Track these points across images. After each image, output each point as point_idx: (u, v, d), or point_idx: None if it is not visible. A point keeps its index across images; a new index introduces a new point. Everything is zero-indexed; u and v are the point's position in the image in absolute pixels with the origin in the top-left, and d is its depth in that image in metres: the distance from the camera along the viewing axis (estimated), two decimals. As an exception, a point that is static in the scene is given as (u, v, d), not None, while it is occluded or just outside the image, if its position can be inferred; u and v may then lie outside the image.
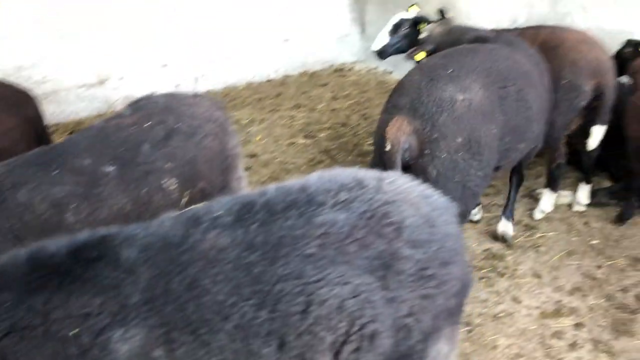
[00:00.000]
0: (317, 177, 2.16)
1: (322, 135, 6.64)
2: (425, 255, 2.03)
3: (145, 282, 1.86)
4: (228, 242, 1.92)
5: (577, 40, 4.52)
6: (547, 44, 4.54)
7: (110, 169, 3.03)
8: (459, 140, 3.39)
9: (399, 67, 8.24)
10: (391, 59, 8.11)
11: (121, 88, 7.52)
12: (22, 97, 4.36)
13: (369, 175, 2.19)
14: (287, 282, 1.88)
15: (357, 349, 1.93)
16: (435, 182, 3.39)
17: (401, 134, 3.37)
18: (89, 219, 2.85)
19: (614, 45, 5.48)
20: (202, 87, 7.95)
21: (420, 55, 4.72)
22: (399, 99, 3.54)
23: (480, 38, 4.41)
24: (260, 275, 1.88)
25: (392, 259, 1.97)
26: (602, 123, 4.49)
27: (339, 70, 8.83)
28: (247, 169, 5.81)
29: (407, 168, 3.53)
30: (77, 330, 1.78)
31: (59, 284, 1.82)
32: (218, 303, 1.85)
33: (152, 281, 1.86)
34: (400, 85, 3.69)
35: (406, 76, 3.74)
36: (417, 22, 5.37)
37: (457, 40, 4.52)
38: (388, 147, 3.39)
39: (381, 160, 3.51)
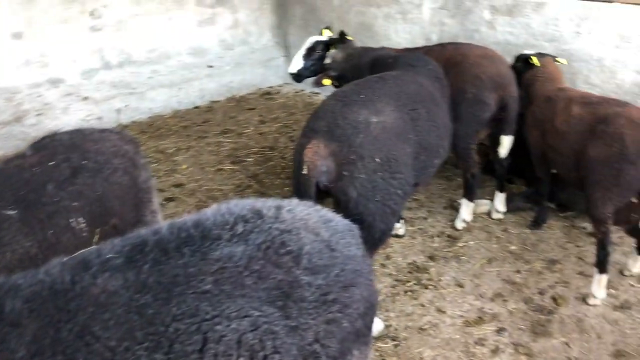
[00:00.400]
0: (213, 211, 2.12)
1: (249, 160, 6.63)
2: (325, 281, 2.03)
3: (31, 334, 1.77)
4: (119, 285, 1.86)
5: (479, 56, 4.74)
6: (452, 60, 4.76)
7: (11, 212, 2.92)
8: (377, 160, 3.46)
9: (325, 89, 8.36)
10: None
11: (40, 124, 7.29)
12: None
13: (268, 204, 2.18)
14: (182, 321, 1.83)
15: None
16: (356, 203, 3.45)
17: (318, 157, 3.41)
18: (-11, 266, 2.73)
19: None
20: (125, 118, 7.81)
21: (327, 82, 4.84)
22: (315, 123, 3.58)
23: (378, 58, 4.58)
24: (154, 316, 1.83)
25: (292, 287, 1.97)
26: (510, 133, 4.72)
27: (267, 94, 8.87)
28: (173, 199, 5.73)
29: (327, 192, 3.58)
30: None
31: None
32: (110, 349, 1.78)
33: (40, 332, 1.77)
34: (317, 111, 3.74)
35: (321, 103, 3.80)
36: (329, 44, 5.48)
37: (357, 64, 4.68)
38: (305, 171, 3.41)
39: (298, 184, 3.54)
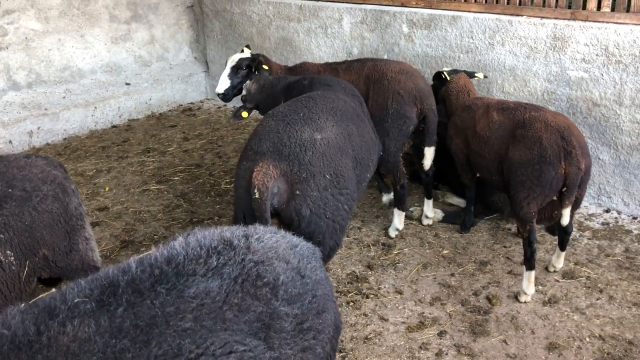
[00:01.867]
0: (182, 244, 2.05)
1: (176, 178, 6.46)
2: (301, 310, 2.04)
3: None
4: (92, 331, 1.74)
5: (396, 72, 4.92)
6: (371, 77, 4.95)
7: None
8: (327, 177, 3.47)
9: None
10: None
11: (-58, 150, 6.77)
12: None
13: (236, 234, 2.14)
14: None
15: None
16: (308, 222, 3.43)
17: (268, 179, 3.34)
18: None
19: (436, 69, 6.01)
20: (39, 142, 7.40)
21: (244, 114, 4.86)
22: (259, 144, 3.51)
23: (293, 83, 4.66)
24: None
25: (272, 319, 1.95)
26: (431, 144, 4.92)
27: (188, 110, 8.71)
28: (99, 223, 5.47)
29: (276, 214, 3.54)
30: None
31: None
32: None
33: None
34: (256, 133, 3.66)
35: (259, 125, 3.74)
36: (255, 60, 5.47)
37: (271, 93, 4.75)
38: (257, 194, 3.32)
39: (247, 209, 3.43)
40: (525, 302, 4.23)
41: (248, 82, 5.06)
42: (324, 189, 3.43)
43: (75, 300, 1.81)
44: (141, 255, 2.03)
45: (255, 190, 3.31)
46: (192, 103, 8.96)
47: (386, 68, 5.02)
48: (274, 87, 4.84)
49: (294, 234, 2.81)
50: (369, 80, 4.95)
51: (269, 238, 2.17)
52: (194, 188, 6.20)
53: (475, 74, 5.35)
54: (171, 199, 5.99)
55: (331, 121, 3.70)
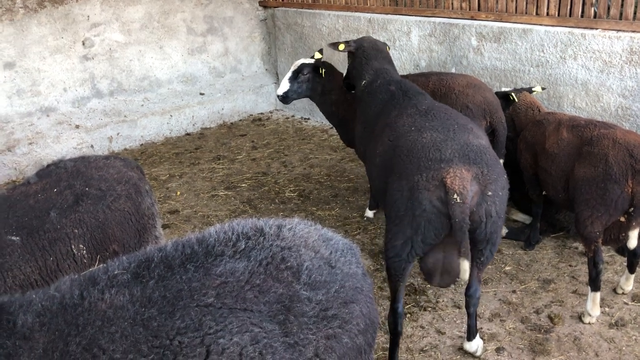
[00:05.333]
0: (216, 229, 2.20)
1: (243, 185, 6.67)
2: (325, 296, 2.10)
3: (42, 347, 1.83)
4: (126, 299, 1.93)
5: (464, 85, 4.89)
6: (438, 91, 4.92)
7: (14, 238, 2.94)
8: (504, 177, 3.51)
9: (314, 114, 8.51)
10: (307, 106, 8.38)
11: (32, 153, 7.29)
12: None
13: (269, 223, 2.26)
14: (186, 335, 1.89)
15: None
16: (493, 223, 3.36)
17: (466, 182, 3.24)
18: (-8, 292, 2.74)
19: (505, 82, 5.93)
20: (117, 147, 7.84)
21: (342, 47, 4.89)
22: (438, 153, 3.40)
23: (375, 84, 4.61)
24: (158, 329, 1.89)
25: (292, 301, 2.03)
26: (499, 157, 4.82)
27: (257, 120, 8.96)
28: (169, 225, 5.73)
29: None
30: None
31: None
32: None
33: (50, 346, 1.84)
34: (422, 144, 3.51)
35: (413, 140, 3.59)
36: (317, 67, 5.58)
37: (375, 80, 4.64)
38: (458, 199, 3.20)
39: (433, 222, 3.31)
40: (589, 323, 4.08)
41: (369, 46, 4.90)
42: (503, 188, 3.42)
43: (115, 272, 2.01)
44: (179, 237, 2.21)
45: (456, 196, 3.20)
46: (261, 113, 9.22)
47: (453, 82, 5.00)
48: (372, 79, 4.62)
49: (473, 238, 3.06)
50: (435, 95, 4.92)
51: (301, 229, 2.26)
52: (259, 195, 6.38)
53: (533, 89, 5.27)
54: (238, 204, 6.19)
55: (477, 129, 3.73)
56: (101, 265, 2.14)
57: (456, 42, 6.50)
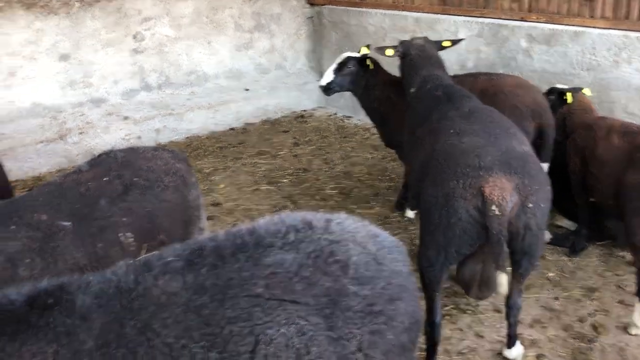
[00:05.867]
0: (266, 221, 2.24)
1: (285, 181, 6.73)
2: (372, 292, 2.10)
3: (98, 328, 1.91)
4: (179, 286, 1.99)
5: (514, 86, 4.80)
6: (487, 91, 4.82)
7: (66, 223, 3.04)
8: (548, 188, 3.34)
9: (357, 112, 8.48)
10: (350, 104, 8.37)
11: (82, 142, 7.53)
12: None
13: (318, 217, 2.28)
14: (236, 324, 1.94)
15: None
16: (533, 235, 3.22)
17: (506, 193, 3.10)
18: (43, 274, 2.84)
19: (555, 85, 5.80)
20: (164, 139, 8.01)
21: (389, 52, 4.85)
22: (477, 159, 3.24)
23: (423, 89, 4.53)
24: (209, 317, 1.95)
25: (339, 295, 2.05)
26: (546, 160, 4.73)
27: (300, 117, 9.01)
28: (212, 217, 5.83)
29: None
30: None
31: (13, 332, 1.87)
32: (168, 346, 1.91)
33: (106, 327, 1.92)
34: (460, 150, 3.38)
35: (448, 143, 3.49)
36: (363, 60, 5.57)
37: (410, 80, 4.63)
38: (497, 211, 3.08)
39: (468, 231, 3.21)
40: (635, 335, 3.96)
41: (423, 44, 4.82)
42: (545, 200, 3.28)
43: (169, 259, 2.07)
44: (230, 228, 2.28)
45: (494, 207, 3.07)
46: (304, 110, 9.26)
47: (502, 82, 4.92)
48: (421, 83, 4.50)
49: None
50: (483, 95, 4.79)
51: (350, 224, 2.27)
52: (300, 191, 6.42)
53: (582, 90, 5.10)
54: (279, 199, 6.24)
55: (521, 134, 3.63)
56: (155, 252, 2.21)
57: (505, 43, 6.39)
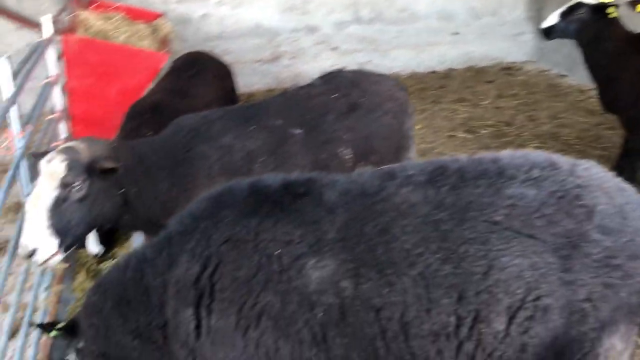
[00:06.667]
0: (509, 154, 2.22)
1: (484, 131, 6.53)
2: (614, 244, 2.00)
3: (341, 222, 2.08)
4: (419, 198, 2.07)
5: None
6: None
7: (297, 131, 3.28)
8: None
9: (574, 71, 7.84)
10: (568, 62, 7.74)
11: (292, 66, 7.96)
12: (224, 70, 4.84)
13: (563, 159, 2.20)
14: (472, 246, 1.98)
15: (531, 317, 1.97)
16: None
17: None
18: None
19: None
20: (367, 73, 8.15)
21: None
22: None
23: None
24: (447, 233, 2.00)
25: (580, 239, 1.98)
26: None
27: (507, 69, 8.58)
28: (406, 155, 5.90)
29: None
30: (279, 251, 2.06)
31: (270, 210, 2.12)
32: (405, 250, 2.01)
33: (348, 223, 2.07)
34: None
35: None
36: (599, 8, 5.02)
37: None
38: None
39: None
40: None
41: None
42: None
43: (412, 172, 2.16)
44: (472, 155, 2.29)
45: None
46: (513, 62, 8.76)
47: None
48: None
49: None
50: None
51: (598, 172, 2.17)
52: (499, 144, 6.19)
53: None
54: (475, 149, 6.08)
55: None
56: (398, 164, 2.32)
57: None
